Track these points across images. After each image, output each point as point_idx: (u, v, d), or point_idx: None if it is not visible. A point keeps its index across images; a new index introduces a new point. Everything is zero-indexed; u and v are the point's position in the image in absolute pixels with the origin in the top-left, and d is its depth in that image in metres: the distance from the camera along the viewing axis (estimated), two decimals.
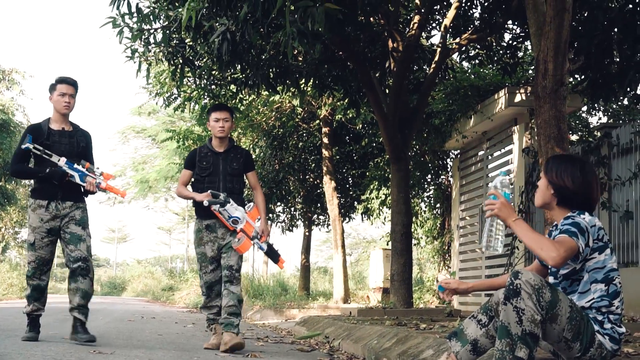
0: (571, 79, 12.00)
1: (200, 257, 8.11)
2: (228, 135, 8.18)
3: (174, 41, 11.61)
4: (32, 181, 8.31)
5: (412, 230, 15.29)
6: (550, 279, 4.52)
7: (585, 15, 10.51)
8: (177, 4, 10.45)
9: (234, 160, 8.13)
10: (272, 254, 8.19)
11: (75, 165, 7.64)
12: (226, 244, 7.99)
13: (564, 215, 4.50)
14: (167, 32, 10.96)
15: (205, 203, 7.81)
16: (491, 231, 4.57)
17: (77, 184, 7.65)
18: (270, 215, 23.15)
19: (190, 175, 8.20)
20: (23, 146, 7.59)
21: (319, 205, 23.38)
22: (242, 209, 7.95)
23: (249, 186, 8.75)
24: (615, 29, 10.29)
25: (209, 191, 7.92)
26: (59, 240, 7.77)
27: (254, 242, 8.01)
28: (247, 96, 16.59)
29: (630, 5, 10.19)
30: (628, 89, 10.73)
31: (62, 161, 7.59)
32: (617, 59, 10.59)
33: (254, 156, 21.05)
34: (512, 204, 13.01)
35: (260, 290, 23.32)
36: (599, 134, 11.48)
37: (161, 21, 11.11)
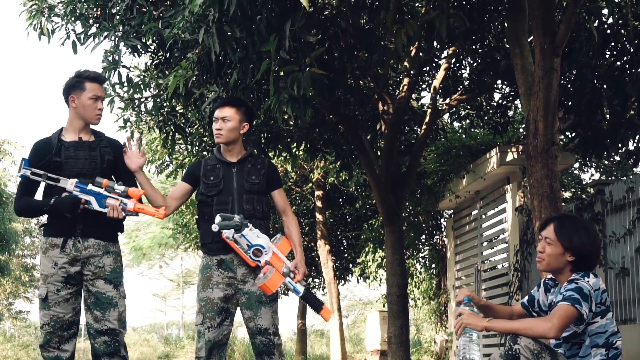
0: (562, 137, 12.04)
1: (204, 304, 5.84)
2: (234, 139, 6.06)
3: (165, 109, 11.65)
4: (43, 217, 6.04)
5: (408, 291, 15.22)
6: (552, 342, 4.49)
7: (574, 74, 10.57)
8: (167, 72, 10.50)
9: (253, 173, 6.02)
10: (312, 300, 5.88)
11: (90, 186, 5.54)
12: (248, 292, 5.83)
13: (568, 277, 4.47)
14: (158, 100, 11.01)
15: (215, 227, 5.65)
16: (465, 348, 4.54)
17: (99, 212, 5.60)
18: None
19: (184, 190, 6.10)
20: (18, 174, 5.61)
21: (313, 268, 23.30)
22: (267, 237, 5.82)
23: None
24: (605, 87, 10.35)
25: (218, 215, 5.71)
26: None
27: (286, 281, 5.80)
28: None
29: (619, 63, 10.27)
30: (620, 145, 10.77)
31: (70, 184, 5.51)
32: (608, 116, 10.64)
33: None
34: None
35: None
36: (592, 190, 11.50)
37: (152, 90, 11.17)
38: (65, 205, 5.50)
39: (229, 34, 7.93)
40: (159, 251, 35.43)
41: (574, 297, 4.23)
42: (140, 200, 5.69)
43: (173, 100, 11.19)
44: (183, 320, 64.54)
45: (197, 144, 13.30)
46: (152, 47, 10.96)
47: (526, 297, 4.89)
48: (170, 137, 11.93)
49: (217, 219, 5.67)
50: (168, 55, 10.35)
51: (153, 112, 11.38)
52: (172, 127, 11.85)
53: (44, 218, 5.95)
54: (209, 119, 9.80)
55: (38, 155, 5.70)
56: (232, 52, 8.17)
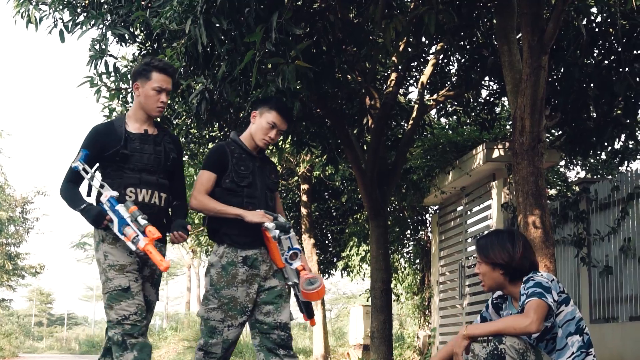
0: (549, 135, 12.06)
1: (228, 303, 5.63)
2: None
3: None
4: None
5: (392, 286, 15.21)
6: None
7: (562, 72, 10.59)
8: None
9: (272, 171, 6.02)
10: (309, 306, 5.96)
11: (118, 207, 5.24)
12: (269, 288, 5.75)
13: (518, 285, 4.52)
14: None
15: (271, 225, 5.58)
16: None
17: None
18: None
19: (214, 181, 5.75)
20: (72, 164, 5.34)
21: None
22: None
23: None
24: (592, 85, 10.37)
25: (261, 210, 5.67)
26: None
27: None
28: None
29: (606, 62, 10.28)
30: (606, 144, 10.80)
31: (105, 196, 5.28)
32: (594, 115, 10.66)
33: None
34: None
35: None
36: (577, 188, 11.53)
37: None
38: (91, 215, 5.25)
39: (216, 25, 7.90)
40: None
41: (537, 291, 4.26)
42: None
43: None
44: (166, 312, 64.55)
45: (184, 135, 13.27)
46: (140, 37, 10.93)
47: (478, 318, 4.92)
48: None
49: (272, 221, 5.59)
50: (156, 45, 10.32)
51: None
52: (158, 119, 11.80)
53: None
54: (195, 111, 9.77)
55: (102, 144, 5.41)
56: (220, 43, 8.14)
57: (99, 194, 5.35)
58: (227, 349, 5.68)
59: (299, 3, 9.28)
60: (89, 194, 5.53)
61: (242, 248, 5.66)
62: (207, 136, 13.20)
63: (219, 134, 12.46)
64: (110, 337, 5.32)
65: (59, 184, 5.51)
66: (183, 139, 13.40)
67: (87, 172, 5.32)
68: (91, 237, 5.72)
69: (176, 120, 12.42)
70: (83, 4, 10.44)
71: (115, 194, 5.28)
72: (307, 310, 5.90)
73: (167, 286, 63.22)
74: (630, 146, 11.94)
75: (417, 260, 18.47)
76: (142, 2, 9.65)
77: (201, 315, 5.72)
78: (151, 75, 5.50)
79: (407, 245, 18.93)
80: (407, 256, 19.06)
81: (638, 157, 12.37)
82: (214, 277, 5.68)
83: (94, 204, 5.37)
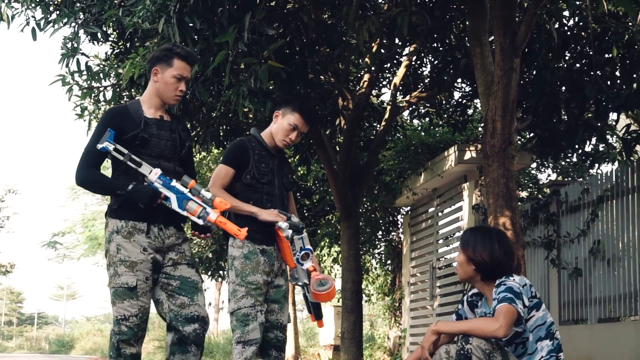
0: (520, 137, 12.11)
1: (255, 288, 5.62)
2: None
3: (124, 99, 11.58)
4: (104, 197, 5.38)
5: (364, 287, 15.23)
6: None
7: (534, 74, 10.64)
8: (127, 62, 10.45)
9: (288, 171, 6.11)
10: (318, 307, 5.94)
11: (174, 182, 5.02)
12: (278, 286, 5.81)
13: (490, 285, 4.54)
14: (117, 89, 10.93)
15: (284, 225, 5.65)
16: None
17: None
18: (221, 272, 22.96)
19: (231, 176, 5.75)
20: (100, 145, 4.96)
21: None
22: None
23: None
24: (563, 88, 10.43)
25: (275, 210, 5.72)
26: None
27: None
28: (198, 153, 16.55)
29: (577, 65, 10.34)
30: (577, 147, 10.86)
31: (155, 174, 4.99)
32: (565, 118, 10.72)
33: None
34: None
35: (210, 348, 23.06)
36: (548, 191, 11.59)
37: (111, 79, 11.09)
38: (144, 195, 4.97)
39: (190, 25, 7.90)
40: None
41: (507, 297, 4.29)
42: (223, 214, 5.19)
43: (133, 90, 11.13)
44: None
45: None
46: (113, 36, 10.90)
47: (454, 316, 4.94)
48: None
49: (286, 221, 5.61)
50: (128, 44, 10.29)
51: (112, 102, 11.30)
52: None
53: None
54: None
55: (121, 127, 5.08)
56: (193, 43, 8.14)
57: (119, 172, 5.11)
58: (262, 333, 5.62)
59: (272, 3, 9.29)
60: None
61: (259, 243, 5.68)
62: None
63: (191, 134, 12.45)
64: (110, 337, 5.15)
65: (75, 173, 5.11)
66: None
67: (118, 152, 4.98)
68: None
69: None
70: (56, 2, 10.40)
71: (159, 171, 5.02)
72: (315, 312, 5.91)
73: None
74: (601, 149, 12.01)
75: (389, 261, 18.52)
76: (115, 1, 9.63)
77: (232, 309, 5.66)
78: (173, 62, 5.24)
79: (379, 246, 18.97)
80: (379, 257, 19.10)
81: (608, 160, 12.44)
82: (238, 267, 5.67)
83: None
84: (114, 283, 5.10)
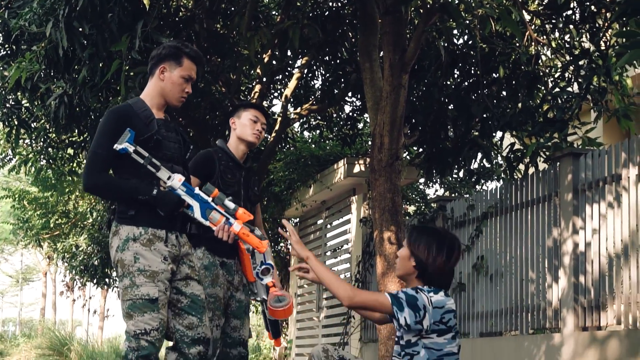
0: (407, 153, 12.26)
1: (214, 301, 5.44)
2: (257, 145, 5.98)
3: (10, 102, 11.36)
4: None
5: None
6: (396, 347, 4.49)
7: (422, 91, 10.78)
8: (12, 65, 10.25)
9: (255, 183, 5.88)
10: (276, 325, 5.71)
11: (197, 190, 4.78)
12: (239, 301, 5.64)
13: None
14: (3, 92, 10.71)
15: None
16: None
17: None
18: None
19: (197, 186, 5.18)
20: (118, 146, 4.57)
21: None
22: None
23: None
24: (450, 106, 10.58)
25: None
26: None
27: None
28: (85, 160, 16.33)
29: (465, 84, 10.52)
30: (463, 164, 11.01)
31: (178, 180, 4.71)
32: (452, 135, 10.87)
33: (90, 220, 20.55)
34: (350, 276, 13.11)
35: (94, 357, 22.70)
36: (434, 206, 11.73)
37: None
38: (168, 203, 4.66)
39: (79, 29, 7.79)
40: None
41: (400, 300, 4.26)
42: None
43: (18, 94, 10.92)
44: (20, 318, 62.98)
45: (42, 139, 12.99)
46: None
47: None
48: (14, 131, 11.65)
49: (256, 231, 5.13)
50: (15, 47, 10.09)
51: None
52: (15, 121, 11.56)
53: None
54: (54, 115, 9.59)
55: (134, 128, 4.68)
56: (81, 48, 8.04)
57: (131, 176, 4.73)
58: (214, 350, 5.40)
59: (164, 11, 9.22)
60: None
61: (219, 255, 5.48)
62: (66, 141, 12.94)
63: (78, 139, 12.26)
64: (124, 354, 4.68)
65: (84, 179, 4.71)
66: (42, 143, 13.12)
67: (139, 155, 4.62)
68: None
69: (34, 124, 12.15)
70: None
71: (182, 177, 4.74)
72: (273, 329, 5.67)
73: (21, 292, 61.72)
74: (486, 166, 12.22)
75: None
76: (2, 2, 9.43)
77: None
78: (183, 62, 4.90)
79: None
80: None
81: (493, 177, 12.67)
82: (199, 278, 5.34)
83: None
84: (132, 294, 4.66)
